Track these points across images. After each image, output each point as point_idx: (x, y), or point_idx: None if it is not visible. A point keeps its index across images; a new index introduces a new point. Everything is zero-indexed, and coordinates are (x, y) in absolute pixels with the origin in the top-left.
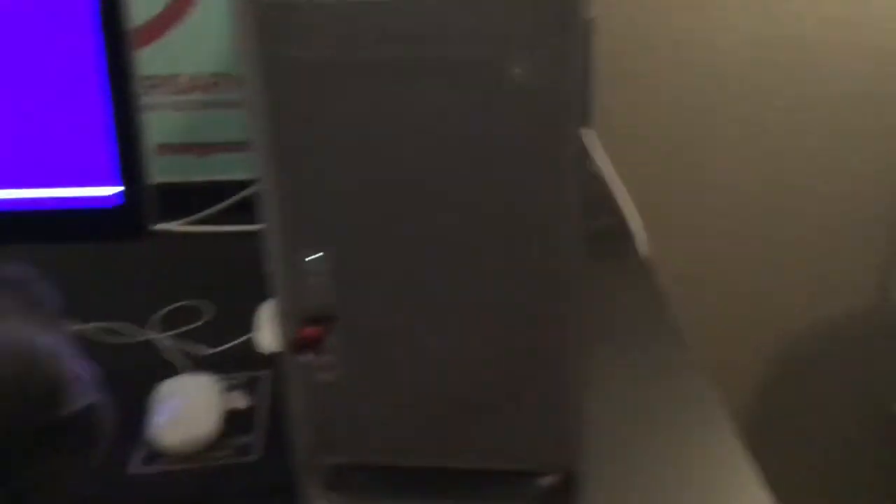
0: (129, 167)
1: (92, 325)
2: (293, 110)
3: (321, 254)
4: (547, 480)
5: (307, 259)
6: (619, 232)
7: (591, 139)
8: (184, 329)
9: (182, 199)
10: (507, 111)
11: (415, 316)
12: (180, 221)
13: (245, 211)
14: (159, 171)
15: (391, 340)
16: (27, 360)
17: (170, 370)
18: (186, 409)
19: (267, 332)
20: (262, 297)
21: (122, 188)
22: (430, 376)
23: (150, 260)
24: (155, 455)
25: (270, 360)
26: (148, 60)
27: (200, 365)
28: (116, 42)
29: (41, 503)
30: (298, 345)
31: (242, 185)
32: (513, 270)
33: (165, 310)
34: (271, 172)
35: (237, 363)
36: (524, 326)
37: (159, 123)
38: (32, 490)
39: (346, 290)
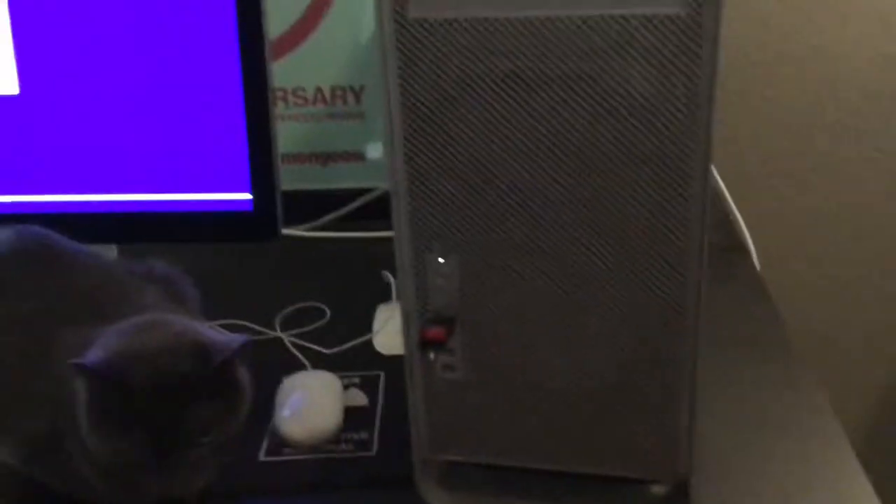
0: (260, 175)
1: (222, 322)
2: (425, 120)
3: (447, 258)
4: (658, 489)
5: (433, 262)
6: (734, 247)
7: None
8: (306, 329)
9: (304, 205)
10: (634, 123)
11: (535, 322)
12: (303, 227)
13: (363, 218)
14: (284, 179)
15: (511, 344)
16: (176, 331)
17: (293, 367)
18: (310, 404)
19: (384, 335)
20: (377, 301)
21: (251, 195)
22: (548, 381)
23: (274, 262)
24: (281, 445)
25: (386, 362)
26: (275, 73)
27: (321, 363)
28: (254, 54)
29: (205, 450)
30: (423, 344)
31: (360, 193)
32: (632, 281)
33: (289, 310)
34: (402, 179)
35: (355, 363)
36: (641, 336)
37: (284, 134)
38: (197, 436)
39: (469, 293)
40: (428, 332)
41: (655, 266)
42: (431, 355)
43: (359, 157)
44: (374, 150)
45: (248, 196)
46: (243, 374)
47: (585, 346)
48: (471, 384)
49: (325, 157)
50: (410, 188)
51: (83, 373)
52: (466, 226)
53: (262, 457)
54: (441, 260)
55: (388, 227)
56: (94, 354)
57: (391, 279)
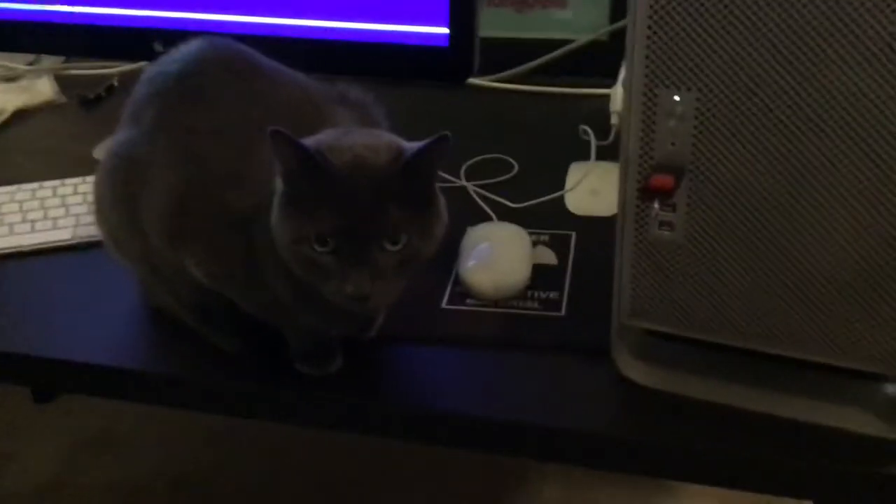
0: (459, 8)
1: None
2: None
3: (684, 95)
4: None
5: (667, 100)
6: None
7: None
8: (493, 181)
9: (495, 54)
10: None
11: (784, 188)
12: (493, 77)
13: (558, 72)
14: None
15: (748, 208)
16: (374, 134)
17: (478, 218)
18: (496, 255)
19: (577, 194)
20: (571, 158)
21: (448, 30)
22: (788, 252)
23: (462, 111)
24: (464, 295)
25: (578, 222)
26: None
27: (507, 217)
28: None
29: (392, 260)
30: (645, 192)
31: (557, 44)
32: None
33: (475, 160)
34: (641, 3)
35: (544, 220)
36: None
37: None
38: (384, 236)
39: (706, 141)
40: (654, 180)
41: None
42: (656, 205)
43: (558, 3)
44: None
45: (444, 30)
46: (440, 195)
47: (844, 228)
48: (689, 247)
49: (522, 2)
50: (648, 17)
51: (284, 145)
52: (712, 56)
53: (443, 304)
54: (676, 98)
55: (586, 84)
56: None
57: (591, 135)
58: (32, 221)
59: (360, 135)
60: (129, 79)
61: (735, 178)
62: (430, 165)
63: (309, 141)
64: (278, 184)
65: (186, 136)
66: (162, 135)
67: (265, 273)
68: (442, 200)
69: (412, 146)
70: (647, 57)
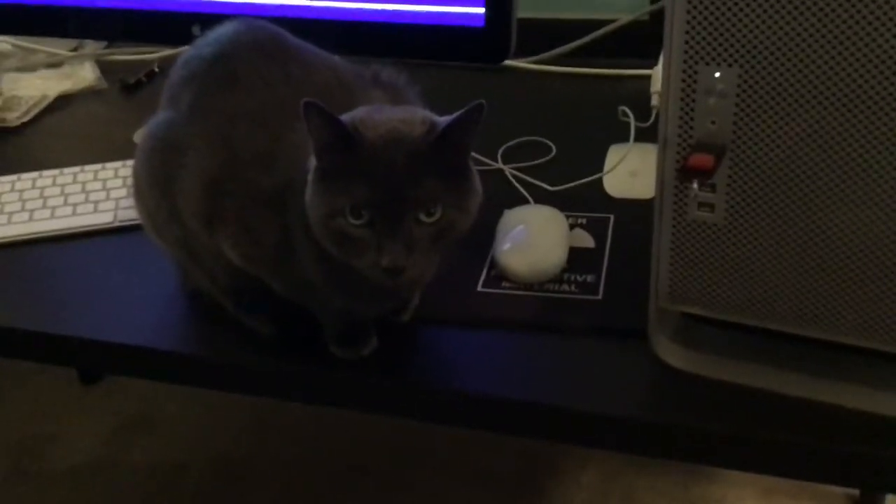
0: None
1: None
2: None
3: (724, 71)
4: None
5: (707, 76)
6: None
7: None
8: (530, 163)
9: (532, 36)
10: None
11: (830, 162)
12: (530, 59)
13: (597, 53)
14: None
15: (790, 189)
16: (406, 108)
17: (515, 201)
18: (533, 238)
19: (615, 177)
20: (610, 140)
21: (484, 10)
22: (831, 234)
23: (499, 94)
24: (500, 278)
25: (617, 205)
26: None
27: (545, 200)
28: None
29: (427, 232)
30: (684, 172)
31: (596, 25)
32: None
33: (512, 142)
34: None
35: (581, 203)
36: None
37: None
38: (419, 208)
39: (748, 119)
40: (693, 159)
41: None
42: (695, 186)
43: None
44: None
45: (480, 10)
46: (474, 168)
47: (891, 209)
48: (729, 228)
49: None
50: None
51: (317, 117)
52: (755, 30)
53: (479, 287)
54: (717, 74)
55: (626, 65)
56: None
57: (630, 116)
58: (74, 205)
59: (393, 110)
60: (169, 64)
61: (778, 157)
62: (465, 136)
63: (343, 117)
64: (312, 162)
65: (220, 119)
66: (197, 118)
67: (299, 254)
68: (476, 174)
69: (446, 118)
70: (686, 32)
